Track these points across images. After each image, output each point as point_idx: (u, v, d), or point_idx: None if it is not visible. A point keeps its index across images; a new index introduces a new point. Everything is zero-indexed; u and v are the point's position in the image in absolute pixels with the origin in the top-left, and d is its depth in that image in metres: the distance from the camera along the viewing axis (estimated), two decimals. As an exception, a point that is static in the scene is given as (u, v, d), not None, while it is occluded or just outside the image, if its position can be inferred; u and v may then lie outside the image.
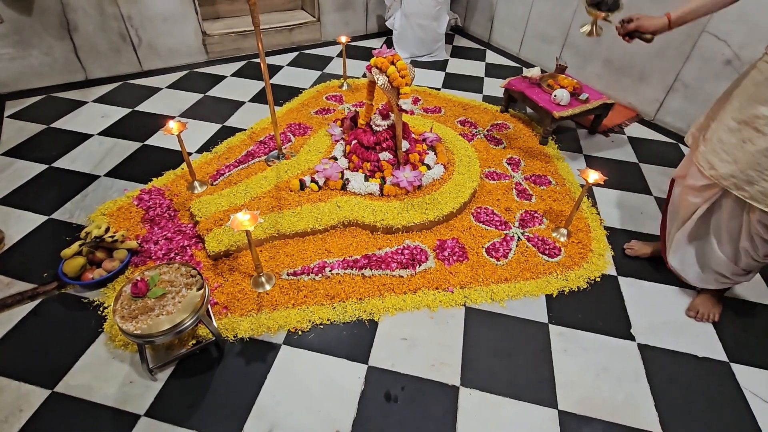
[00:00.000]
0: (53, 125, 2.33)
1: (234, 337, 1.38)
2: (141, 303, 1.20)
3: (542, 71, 2.54)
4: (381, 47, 1.76)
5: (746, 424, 1.23)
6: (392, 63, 1.71)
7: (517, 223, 1.85)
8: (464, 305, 1.53)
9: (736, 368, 1.37)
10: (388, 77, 1.69)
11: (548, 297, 1.57)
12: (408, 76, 1.70)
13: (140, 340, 1.15)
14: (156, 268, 1.30)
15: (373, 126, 1.94)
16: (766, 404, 1.28)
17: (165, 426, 1.16)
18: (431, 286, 1.57)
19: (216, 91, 2.76)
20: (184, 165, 2.08)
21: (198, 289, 1.25)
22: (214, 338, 1.34)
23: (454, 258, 1.67)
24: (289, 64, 3.17)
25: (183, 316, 1.18)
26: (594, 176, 1.60)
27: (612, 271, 1.68)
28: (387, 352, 1.37)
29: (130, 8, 2.66)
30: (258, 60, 3.18)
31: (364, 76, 3.06)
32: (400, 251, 1.68)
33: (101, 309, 1.44)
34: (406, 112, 1.74)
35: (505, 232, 1.81)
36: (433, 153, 2.10)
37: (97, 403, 1.20)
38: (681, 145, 2.47)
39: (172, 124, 1.75)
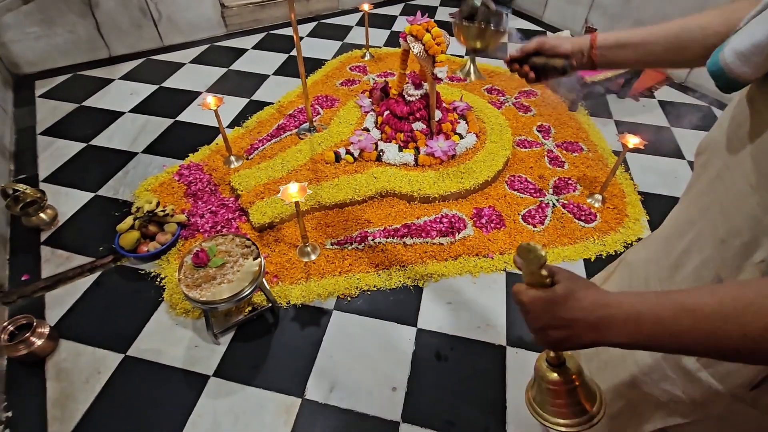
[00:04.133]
0: (85, 104, 2.36)
1: (287, 303, 1.45)
2: (203, 272, 1.26)
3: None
4: (416, 14, 1.73)
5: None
6: (427, 30, 1.68)
7: (551, 190, 1.87)
8: (504, 270, 1.57)
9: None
10: (423, 45, 1.67)
11: (586, 261, 1.60)
12: (443, 44, 1.68)
13: (206, 306, 1.22)
14: (212, 239, 1.35)
15: (406, 96, 1.94)
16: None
17: (233, 385, 1.25)
18: (471, 253, 1.61)
19: (239, 65, 2.75)
20: (218, 140, 2.10)
21: (254, 258, 1.31)
22: (269, 305, 1.41)
23: (492, 225, 1.70)
24: (309, 35, 3.12)
25: (244, 284, 1.24)
26: (634, 141, 1.60)
27: (648, 234, 1.70)
28: (434, 315, 1.43)
29: (149, -19, 2.62)
30: (278, 32, 3.14)
31: (392, 44, 3.01)
32: (438, 220, 1.71)
33: (158, 280, 1.51)
34: (441, 80, 1.73)
35: (540, 199, 1.83)
36: (465, 122, 2.09)
37: (168, 365, 1.29)
38: (713, 108, 2.42)
39: (210, 99, 1.77)
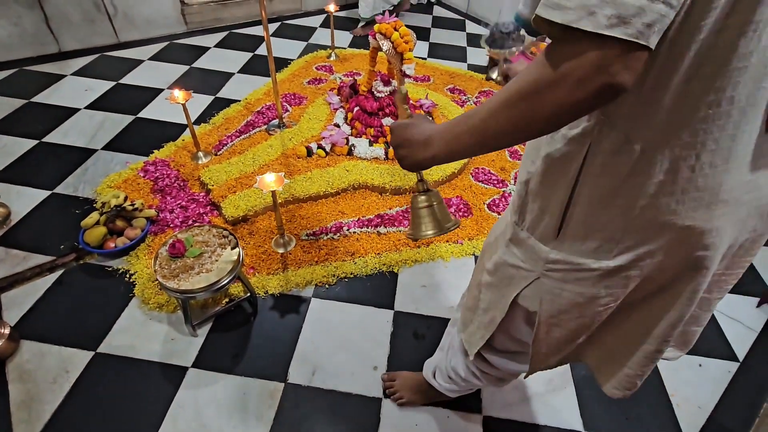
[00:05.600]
0: (33, 99, 2.23)
1: (265, 293, 1.45)
2: (180, 262, 1.25)
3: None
4: (383, 14, 1.81)
5: None
6: (395, 29, 1.76)
7: (512, 181, 2.00)
8: (473, 255, 1.66)
9: None
10: (392, 43, 1.75)
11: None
12: (411, 42, 1.77)
13: (184, 296, 1.21)
14: (188, 230, 1.34)
15: (375, 92, 2.00)
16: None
17: (214, 374, 1.24)
18: (442, 240, 1.70)
19: (201, 63, 2.70)
20: (184, 136, 2.06)
21: (233, 248, 1.31)
22: (246, 295, 1.41)
23: (460, 214, 1.80)
24: (273, 35, 3.11)
25: (222, 273, 1.24)
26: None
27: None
28: (410, 298, 1.49)
29: (103, -26, 2.52)
30: (240, 31, 3.11)
31: (356, 46, 3.07)
32: (409, 210, 1.78)
33: (128, 276, 1.46)
34: (409, 77, 1.81)
35: (502, 189, 1.95)
36: (431, 118, 2.19)
37: (143, 360, 1.26)
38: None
39: (178, 93, 1.74)
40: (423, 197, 0.68)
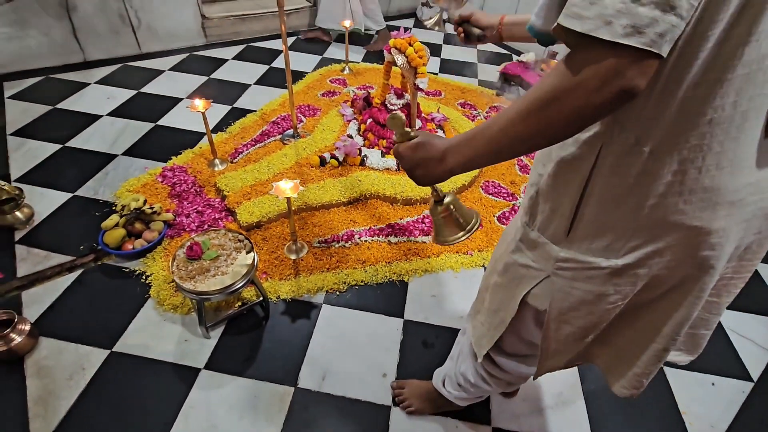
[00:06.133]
0: (58, 106, 2.31)
1: (277, 298, 1.47)
2: (197, 265, 1.28)
3: (535, 58, 2.71)
4: (399, 30, 1.86)
5: None
6: (410, 44, 1.82)
7: (522, 195, 2.01)
8: (483, 266, 1.67)
9: None
10: (407, 57, 1.80)
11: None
12: (425, 57, 1.81)
13: (200, 297, 1.23)
14: (205, 234, 1.37)
15: (388, 105, 2.05)
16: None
17: (225, 377, 1.26)
18: (452, 251, 1.71)
19: (220, 74, 2.78)
20: (201, 143, 2.12)
21: (248, 252, 1.34)
22: (259, 299, 1.44)
23: (470, 225, 1.82)
24: (289, 49, 3.20)
25: (237, 276, 1.27)
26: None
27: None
28: (419, 307, 1.50)
29: (130, -11, 2.63)
30: (257, 44, 3.20)
31: (368, 60, 3.15)
32: (420, 220, 1.81)
33: (144, 277, 1.49)
34: (422, 90, 1.86)
35: (512, 202, 1.97)
36: (442, 131, 2.23)
37: (157, 360, 1.28)
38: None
39: (198, 102, 1.80)
40: (441, 207, 0.70)
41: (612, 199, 0.54)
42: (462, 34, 0.96)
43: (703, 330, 0.68)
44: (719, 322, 1.52)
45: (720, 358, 1.46)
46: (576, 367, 1.37)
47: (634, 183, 0.52)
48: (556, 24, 0.44)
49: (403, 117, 0.64)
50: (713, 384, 1.39)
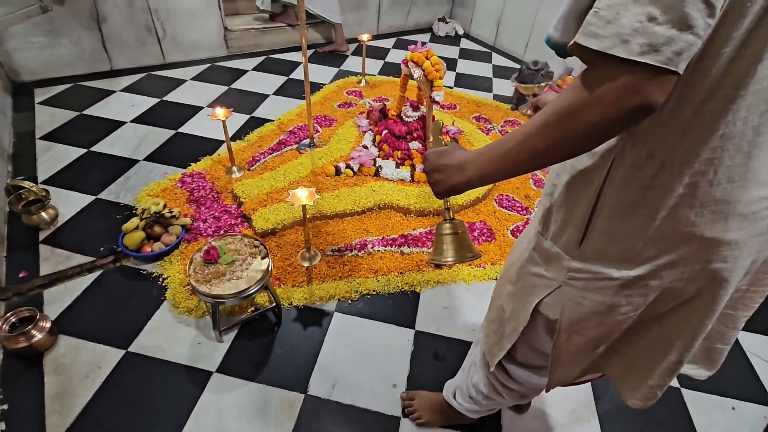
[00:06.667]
0: (85, 112, 2.40)
1: (289, 304, 1.49)
2: (213, 269, 1.30)
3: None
4: (416, 44, 1.90)
5: None
6: (427, 58, 1.85)
7: (536, 208, 2.00)
8: (495, 279, 1.66)
9: None
10: (423, 71, 1.83)
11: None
12: (442, 70, 1.84)
13: (215, 300, 1.25)
14: (221, 239, 1.40)
15: (404, 117, 2.08)
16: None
17: (237, 381, 1.27)
18: (465, 263, 1.71)
19: (239, 84, 2.86)
20: (220, 151, 2.17)
21: (263, 258, 1.36)
22: (272, 305, 1.45)
23: (483, 238, 1.82)
24: (308, 61, 3.27)
25: (252, 281, 1.29)
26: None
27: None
28: (431, 318, 1.50)
29: (157, 2, 2.74)
30: (276, 56, 3.29)
31: (384, 73, 3.20)
32: (432, 232, 1.81)
33: (161, 280, 1.52)
34: (438, 103, 1.88)
35: (526, 216, 1.96)
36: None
37: (171, 361, 1.30)
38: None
39: (219, 111, 1.85)
40: (448, 224, 0.72)
41: (624, 210, 0.55)
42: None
43: (720, 344, 0.67)
44: (741, 347, 1.48)
45: (741, 381, 1.42)
46: (590, 385, 1.35)
47: (646, 195, 0.52)
48: (572, 42, 0.45)
49: (442, 123, 0.68)
50: (734, 408, 1.34)
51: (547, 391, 0.80)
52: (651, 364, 0.64)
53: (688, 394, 1.36)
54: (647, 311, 0.60)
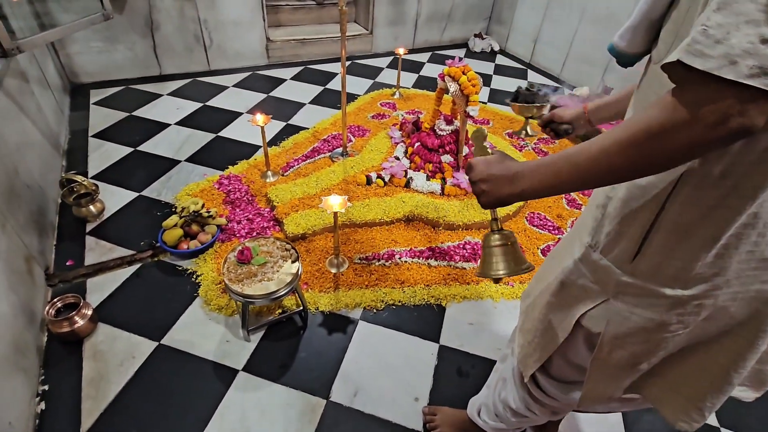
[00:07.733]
0: (134, 114, 2.54)
1: (316, 309, 1.51)
2: (246, 269, 1.34)
3: (589, 91, 2.68)
4: (454, 59, 1.92)
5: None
6: (464, 73, 1.86)
7: (569, 229, 1.96)
8: (524, 298, 1.63)
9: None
10: (459, 85, 1.84)
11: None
12: (478, 85, 1.85)
13: (246, 299, 1.29)
14: (255, 240, 1.44)
15: (437, 130, 2.09)
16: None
17: (261, 380, 1.29)
18: (517, 276, 1.68)
19: (278, 92, 2.96)
20: (256, 155, 2.25)
21: (293, 261, 1.39)
22: (299, 309, 1.47)
23: (513, 255, 1.78)
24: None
25: (282, 283, 1.32)
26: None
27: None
28: (456, 333, 1.48)
29: (207, 13, 2.89)
30: (314, 67, 3.39)
31: (418, 86, 3.24)
32: (461, 246, 1.80)
33: (195, 276, 1.58)
34: (473, 118, 1.88)
35: (558, 236, 1.92)
36: (488, 159, 2.23)
37: (199, 357, 1.33)
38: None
39: (259, 117, 1.92)
40: (497, 236, 0.69)
41: (685, 228, 0.53)
42: (552, 133, 1.00)
43: None
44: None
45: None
46: (620, 414, 1.29)
47: (711, 215, 0.51)
48: (674, 59, 0.43)
49: (486, 132, 0.67)
50: (778, 454, 1.25)
51: (579, 407, 0.78)
52: (697, 384, 0.62)
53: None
54: (696, 332, 0.58)
